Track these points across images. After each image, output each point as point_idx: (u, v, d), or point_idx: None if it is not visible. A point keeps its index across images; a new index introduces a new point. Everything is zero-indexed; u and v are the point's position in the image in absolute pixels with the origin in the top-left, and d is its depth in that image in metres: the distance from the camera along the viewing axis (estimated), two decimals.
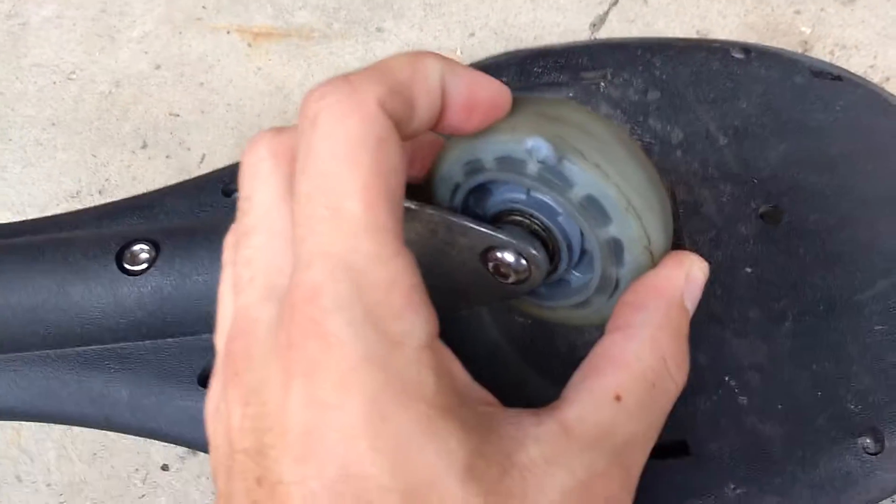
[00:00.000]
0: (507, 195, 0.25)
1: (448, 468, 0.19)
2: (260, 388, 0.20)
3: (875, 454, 0.30)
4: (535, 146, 0.22)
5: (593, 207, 0.23)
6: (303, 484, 0.18)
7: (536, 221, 0.24)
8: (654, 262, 0.24)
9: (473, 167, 0.24)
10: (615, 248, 0.23)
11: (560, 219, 0.24)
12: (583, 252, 0.25)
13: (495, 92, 0.23)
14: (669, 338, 0.24)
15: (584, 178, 0.22)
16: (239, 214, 0.23)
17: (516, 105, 0.23)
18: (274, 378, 0.20)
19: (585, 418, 0.22)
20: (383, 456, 0.18)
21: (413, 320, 0.19)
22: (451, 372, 0.21)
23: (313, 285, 0.19)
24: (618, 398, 0.22)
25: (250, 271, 0.22)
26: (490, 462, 0.19)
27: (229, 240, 0.25)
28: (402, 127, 0.21)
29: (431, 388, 0.19)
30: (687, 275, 0.24)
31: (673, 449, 0.30)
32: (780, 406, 0.31)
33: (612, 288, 0.25)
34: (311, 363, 0.19)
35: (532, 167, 0.23)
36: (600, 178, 0.22)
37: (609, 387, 0.22)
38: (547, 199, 0.24)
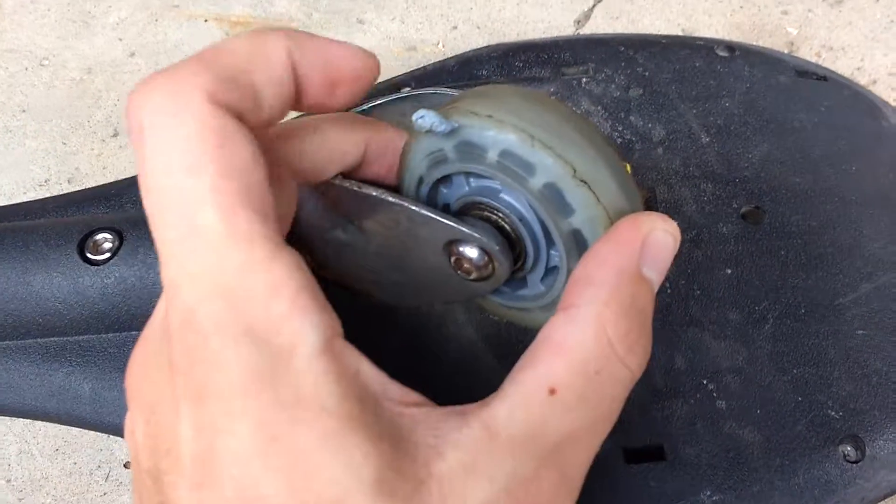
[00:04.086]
0: (458, 190, 0.25)
1: (355, 484, 0.17)
2: (156, 408, 0.19)
3: (855, 462, 0.29)
4: (418, 117, 0.22)
5: (511, 161, 0.22)
6: None
7: (488, 207, 0.24)
8: (595, 194, 0.22)
9: (418, 177, 0.24)
10: (554, 196, 0.22)
11: (504, 195, 0.24)
12: (547, 230, 0.24)
13: (356, 61, 0.21)
14: (618, 315, 0.20)
15: (487, 135, 0.22)
16: None
17: None
18: (166, 400, 0.19)
19: (514, 416, 0.19)
20: (280, 475, 0.17)
21: (301, 326, 0.18)
22: (358, 374, 0.19)
23: (186, 309, 0.18)
24: (552, 391, 0.19)
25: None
26: (404, 474, 0.18)
27: None
28: (247, 117, 0.19)
29: (330, 396, 0.18)
30: (645, 238, 0.21)
31: (648, 453, 0.30)
32: (758, 411, 0.30)
33: (579, 246, 0.23)
34: (197, 388, 0.18)
35: (450, 151, 0.22)
36: (498, 127, 0.22)
37: (542, 379, 0.20)
38: (485, 180, 0.24)
